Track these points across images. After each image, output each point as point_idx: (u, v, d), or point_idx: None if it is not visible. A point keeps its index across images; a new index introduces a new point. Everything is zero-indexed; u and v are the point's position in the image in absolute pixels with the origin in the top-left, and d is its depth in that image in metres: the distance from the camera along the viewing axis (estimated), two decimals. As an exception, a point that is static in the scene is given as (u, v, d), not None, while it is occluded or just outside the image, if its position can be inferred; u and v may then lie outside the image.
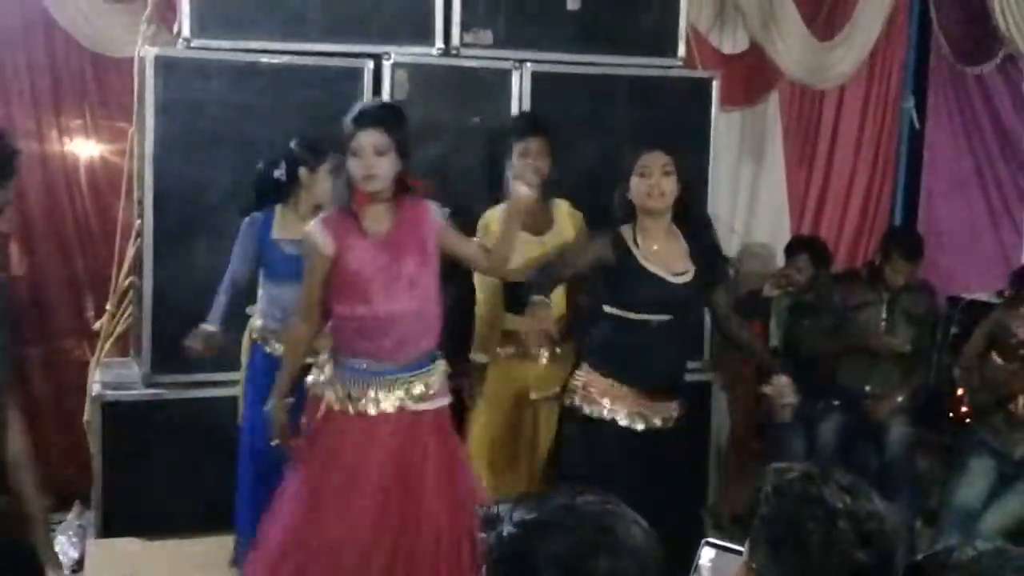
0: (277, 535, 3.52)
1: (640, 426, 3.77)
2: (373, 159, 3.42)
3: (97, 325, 4.97)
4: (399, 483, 3.50)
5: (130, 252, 4.73)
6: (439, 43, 4.60)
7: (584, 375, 3.81)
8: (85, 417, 4.69)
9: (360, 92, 4.47)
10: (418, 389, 3.53)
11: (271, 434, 3.60)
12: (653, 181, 3.73)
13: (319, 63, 4.48)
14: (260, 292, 4.13)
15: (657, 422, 3.80)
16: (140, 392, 4.46)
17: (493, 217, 4.16)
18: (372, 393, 3.49)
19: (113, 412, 4.44)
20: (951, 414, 5.21)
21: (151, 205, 4.36)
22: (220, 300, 4.11)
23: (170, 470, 4.36)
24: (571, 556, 1.53)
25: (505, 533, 1.58)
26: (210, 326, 4.06)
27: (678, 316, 3.76)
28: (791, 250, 5.45)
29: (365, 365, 3.50)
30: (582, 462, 3.75)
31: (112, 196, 5.11)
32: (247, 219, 4.08)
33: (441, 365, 3.61)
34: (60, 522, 4.89)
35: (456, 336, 4.05)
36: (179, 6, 4.42)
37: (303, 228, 3.67)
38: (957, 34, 6.05)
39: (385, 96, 4.48)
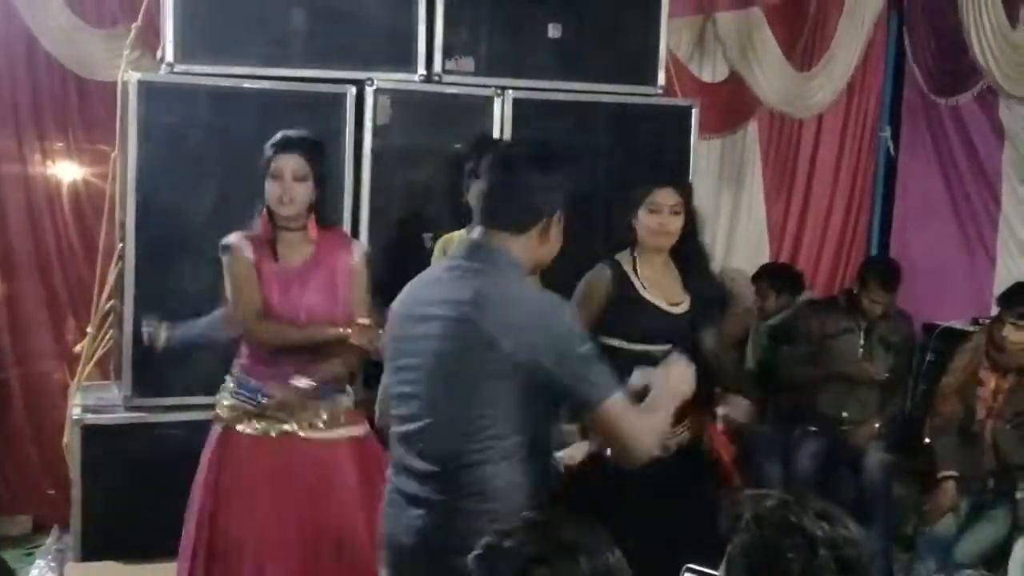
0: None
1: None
2: (291, 183, 3.47)
3: (78, 348, 4.96)
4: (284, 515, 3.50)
5: (111, 275, 4.73)
6: (421, 69, 4.63)
7: None
8: (64, 440, 4.67)
9: (343, 117, 4.49)
10: (310, 418, 3.54)
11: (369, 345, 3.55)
12: (663, 219, 3.68)
13: (302, 88, 4.50)
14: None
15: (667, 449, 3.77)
16: (120, 415, 4.44)
17: (451, 242, 4.19)
18: (263, 416, 3.50)
19: (93, 435, 4.42)
20: (926, 440, 5.26)
21: (133, 228, 4.36)
22: (197, 323, 4.04)
23: (150, 494, 4.33)
24: (524, 570, 1.61)
25: (476, 551, 1.66)
26: (175, 330, 3.95)
27: (679, 346, 3.68)
28: (756, 278, 5.54)
29: (262, 387, 3.50)
30: (588, 496, 3.73)
31: (94, 219, 5.12)
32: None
33: (344, 399, 3.61)
34: (39, 546, 4.88)
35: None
36: (163, 31, 4.43)
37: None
38: (932, 66, 6.14)
39: (367, 121, 4.51)
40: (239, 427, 3.52)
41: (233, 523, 3.50)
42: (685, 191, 3.77)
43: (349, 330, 3.52)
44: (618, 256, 3.79)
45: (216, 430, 3.59)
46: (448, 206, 4.56)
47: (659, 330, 3.70)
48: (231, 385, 3.55)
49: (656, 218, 3.71)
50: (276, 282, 3.51)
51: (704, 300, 3.81)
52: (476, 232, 2.60)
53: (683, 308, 3.76)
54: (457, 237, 4.22)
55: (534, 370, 2.40)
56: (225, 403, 3.55)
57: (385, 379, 2.71)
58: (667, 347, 3.68)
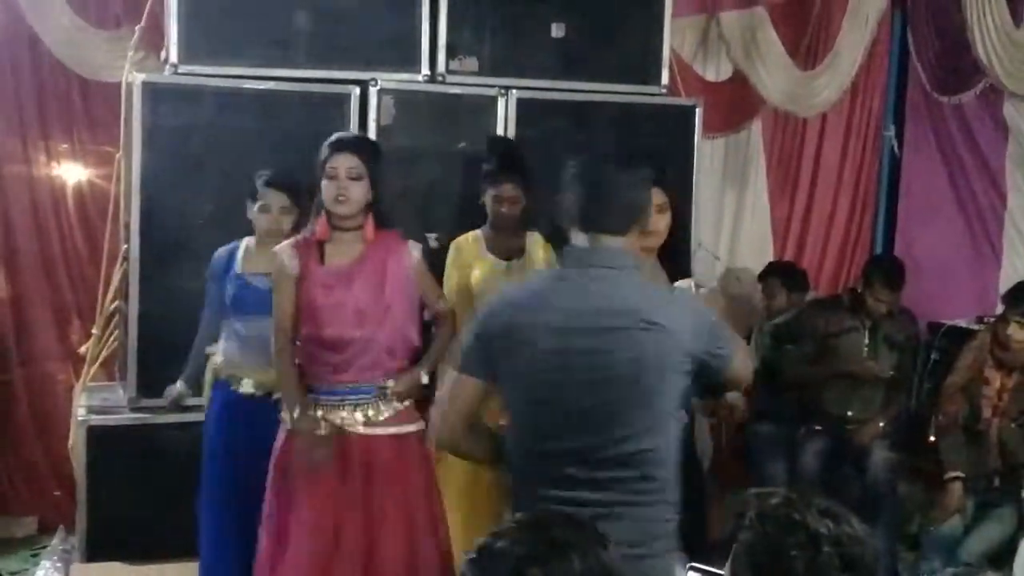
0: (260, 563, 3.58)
1: None
2: (346, 183, 3.47)
3: (83, 349, 4.96)
4: (346, 505, 3.52)
5: (116, 276, 4.74)
6: (425, 70, 4.64)
7: None
8: (70, 441, 4.68)
9: (346, 118, 4.50)
10: (363, 415, 3.55)
11: (303, 458, 3.52)
12: (652, 220, 3.69)
13: (306, 89, 4.51)
14: (222, 328, 4.10)
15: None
16: (125, 416, 4.45)
17: (465, 243, 4.21)
18: (319, 413, 3.52)
19: (98, 436, 4.43)
20: (931, 439, 5.26)
21: (137, 229, 4.37)
22: (194, 355, 4.16)
23: (155, 495, 4.35)
24: (517, 570, 1.61)
25: (466, 559, 1.65)
26: (180, 386, 4.20)
27: None
28: (764, 276, 5.53)
29: (316, 386, 3.54)
30: None
31: (99, 220, 5.13)
32: (215, 255, 4.07)
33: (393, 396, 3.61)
34: (44, 547, 4.89)
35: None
36: (167, 32, 4.44)
37: (267, 261, 3.75)
38: (935, 65, 6.13)
39: (371, 122, 4.52)
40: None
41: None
42: (668, 189, 3.76)
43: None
44: None
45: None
46: (456, 207, 4.57)
47: None
48: None
49: None
50: (321, 285, 3.51)
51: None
52: (581, 239, 2.62)
53: None
54: (472, 239, 4.22)
55: (699, 356, 2.55)
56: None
57: (469, 394, 2.63)
58: None
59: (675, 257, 3.79)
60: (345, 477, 3.53)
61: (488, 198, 4.19)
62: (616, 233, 2.62)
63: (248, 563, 3.66)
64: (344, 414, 3.54)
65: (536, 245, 4.30)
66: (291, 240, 3.61)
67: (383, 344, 3.56)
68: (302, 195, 3.88)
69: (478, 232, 4.27)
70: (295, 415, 3.49)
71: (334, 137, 3.59)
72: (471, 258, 4.21)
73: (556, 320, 2.54)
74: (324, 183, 3.49)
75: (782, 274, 5.58)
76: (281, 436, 3.59)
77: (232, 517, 3.89)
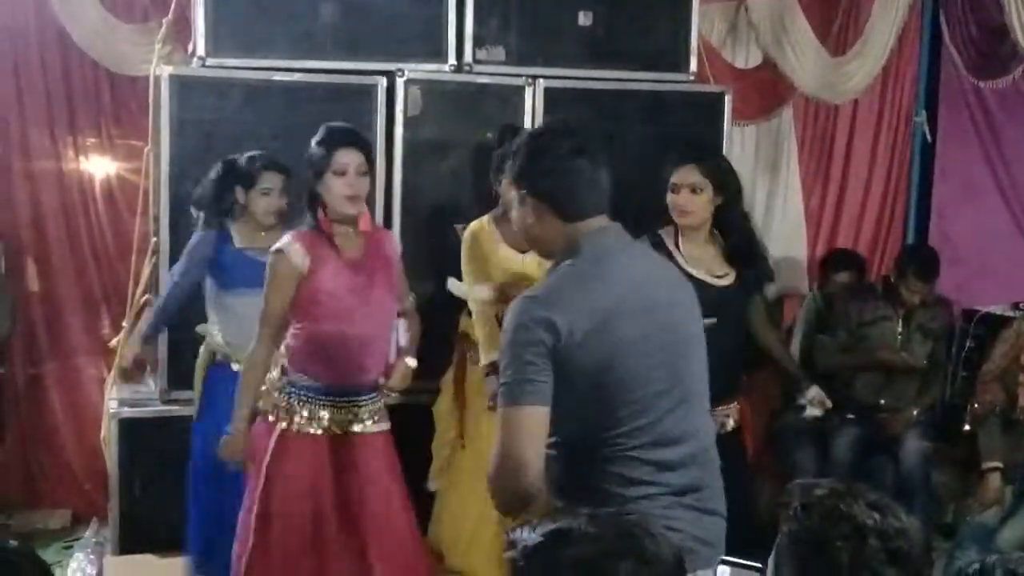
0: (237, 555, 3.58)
1: None
2: (356, 179, 3.46)
3: (113, 342, 4.99)
4: (337, 507, 3.53)
5: (146, 269, 4.76)
6: (452, 59, 4.62)
7: None
8: (102, 434, 4.70)
9: (374, 109, 4.49)
10: (365, 412, 3.56)
11: (229, 456, 3.58)
12: (680, 199, 3.72)
13: (332, 80, 4.51)
14: (212, 308, 4.13)
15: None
16: (157, 408, 4.48)
17: (481, 231, 4.17)
18: (319, 412, 3.51)
19: (130, 429, 4.46)
20: (966, 428, 5.20)
21: (167, 223, 4.38)
22: (157, 315, 4.27)
23: (187, 486, 4.36)
24: (594, 560, 1.55)
25: (530, 543, 1.59)
26: (135, 345, 4.32)
27: (723, 319, 3.65)
28: (834, 266, 5.47)
29: (317, 384, 3.51)
30: None
31: (128, 214, 5.14)
32: (200, 235, 4.11)
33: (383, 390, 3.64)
34: (77, 539, 4.92)
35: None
36: (194, 25, 4.45)
37: (264, 237, 3.80)
38: (970, 48, 6.05)
39: (398, 112, 4.50)
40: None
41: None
42: (710, 168, 3.74)
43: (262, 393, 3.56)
44: (662, 231, 3.79)
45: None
46: (483, 197, 4.54)
47: (702, 303, 3.66)
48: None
49: (674, 198, 3.75)
50: (343, 276, 3.49)
51: (749, 271, 3.81)
52: (606, 220, 2.57)
53: (728, 280, 3.76)
54: (487, 227, 4.20)
55: None
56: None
57: (545, 425, 2.41)
58: (713, 321, 3.66)
59: (729, 231, 3.77)
60: (339, 477, 3.53)
61: (504, 187, 4.17)
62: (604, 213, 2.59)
63: None
64: (356, 415, 3.54)
65: None
66: (295, 235, 3.51)
67: (387, 340, 3.61)
68: (292, 176, 3.94)
69: (490, 220, 4.21)
70: (238, 427, 3.50)
71: (334, 132, 3.54)
72: (487, 246, 4.17)
73: (632, 302, 2.47)
74: (331, 179, 3.44)
75: (855, 265, 5.56)
76: (260, 426, 3.56)
77: (227, 502, 3.86)
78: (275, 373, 3.58)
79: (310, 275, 3.47)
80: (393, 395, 3.68)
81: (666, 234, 3.78)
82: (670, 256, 3.71)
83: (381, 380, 3.61)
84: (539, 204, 2.52)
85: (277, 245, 3.54)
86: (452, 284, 4.28)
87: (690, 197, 3.70)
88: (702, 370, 2.60)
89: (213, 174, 4.11)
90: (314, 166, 3.48)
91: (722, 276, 3.75)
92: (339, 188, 3.45)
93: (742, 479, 3.80)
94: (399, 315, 3.75)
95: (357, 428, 3.56)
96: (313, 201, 3.51)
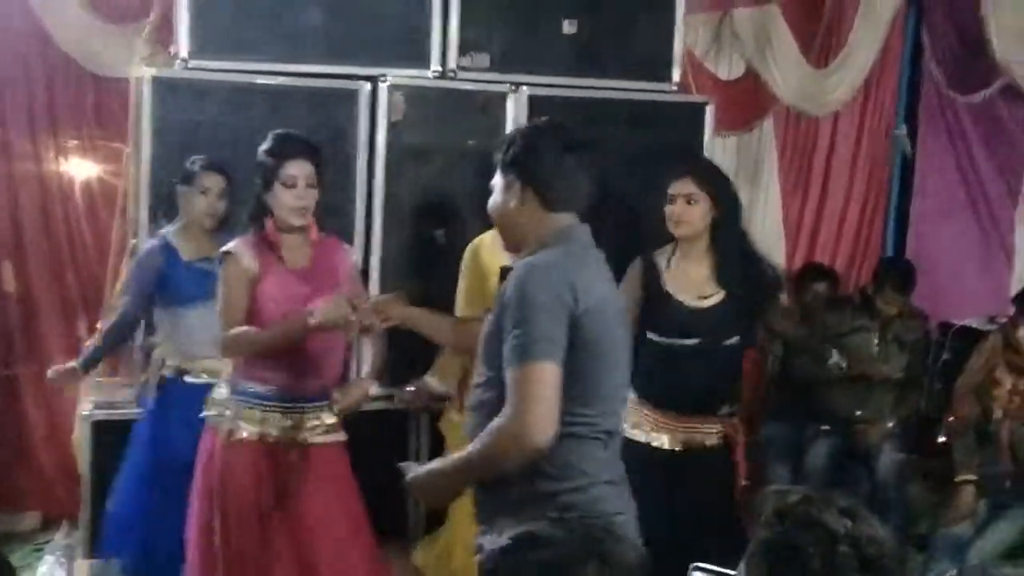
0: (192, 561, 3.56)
1: (669, 445, 3.73)
2: (305, 191, 3.43)
3: (88, 344, 4.96)
4: (281, 517, 3.48)
5: (124, 271, 4.73)
6: (436, 66, 4.62)
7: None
8: (74, 436, 4.67)
9: (357, 113, 4.48)
10: (311, 422, 3.52)
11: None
12: (676, 210, 3.71)
13: (316, 84, 4.49)
14: (164, 322, 4.13)
15: (692, 442, 3.75)
16: (130, 411, 4.44)
17: (483, 243, 4.16)
18: (262, 419, 3.47)
19: (102, 431, 4.43)
20: (942, 440, 5.23)
21: (145, 224, 4.36)
22: (102, 341, 4.29)
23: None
24: (560, 563, 1.58)
25: (497, 546, 1.62)
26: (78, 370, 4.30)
27: (706, 340, 3.70)
28: (809, 278, 5.49)
29: (260, 389, 3.48)
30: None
31: (106, 216, 5.12)
32: (145, 250, 4.11)
33: (333, 406, 3.59)
34: (47, 542, 4.88)
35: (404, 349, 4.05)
36: (177, 27, 4.43)
37: (210, 247, 3.80)
38: (951, 63, 6.09)
39: (381, 118, 4.50)
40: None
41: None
42: (706, 180, 3.74)
43: (316, 309, 3.30)
44: (658, 251, 3.81)
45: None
46: (466, 204, 4.54)
47: (684, 325, 3.70)
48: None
49: (670, 208, 3.74)
50: (287, 287, 3.45)
51: (741, 291, 3.75)
52: (578, 220, 2.71)
53: (713, 302, 3.73)
54: (490, 240, 4.16)
55: None
56: None
57: (559, 385, 2.48)
58: (695, 341, 3.70)
59: (721, 248, 3.75)
60: (285, 490, 3.46)
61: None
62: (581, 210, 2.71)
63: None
64: (294, 422, 3.49)
65: None
66: (242, 240, 3.49)
67: (340, 354, 3.57)
68: (234, 182, 4.04)
69: (495, 233, 4.19)
70: (314, 317, 3.29)
71: (286, 141, 3.49)
72: (488, 261, 4.13)
73: (610, 295, 2.66)
74: (280, 190, 3.40)
75: (828, 276, 5.57)
76: (207, 439, 3.52)
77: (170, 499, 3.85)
78: (222, 386, 3.56)
79: (258, 281, 3.43)
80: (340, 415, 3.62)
81: (660, 253, 3.78)
82: (654, 275, 3.74)
83: (334, 394, 3.56)
84: (525, 190, 2.65)
85: (225, 248, 3.49)
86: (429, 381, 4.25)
87: (685, 208, 3.69)
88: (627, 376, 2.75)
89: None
90: (263, 175, 3.44)
91: (707, 296, 3.72)
92: (287, 200, 3.41)
93: (725, 495, 3.81)
94: (364, 333, 3.67)
95: (303, 436, 3.50)
96: (260, 210, 3.47)
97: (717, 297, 3.73)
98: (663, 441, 3.73)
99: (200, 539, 3.51)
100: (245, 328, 3.41)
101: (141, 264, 4.14)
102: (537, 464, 2.46)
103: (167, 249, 4.09)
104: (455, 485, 2.69)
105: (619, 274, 4.30)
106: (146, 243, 4.17)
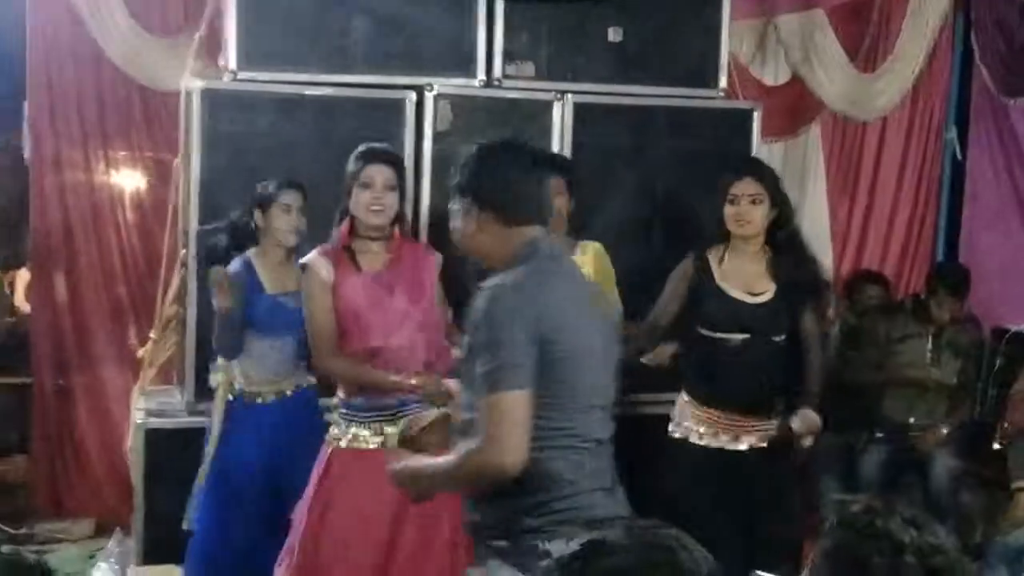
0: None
1: (728, 446, 3.76)
2: (382, 192, 3.51)
3: (140, 353, 5.01)
4: (399, 522, 3.49)
5: (175, 281, 4.78)
6: (481, 74, 4.62)
7: (680, 397, 3.88)
8: (127, 444, 4.72)
9: (403, 123, 4.50)
10: (401, 428, 3.50)
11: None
12: (741, 210, 3.78)
13: (363, 95, 4.51)
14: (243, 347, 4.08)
15: (745, 443, 3.77)
16: (182, 420, 4.47)
17: None
18: (368, 429, 3.51)
19: (155, 440, 4.46)
20: (997, 447, 5.16)
21: (195, 236, 4.40)
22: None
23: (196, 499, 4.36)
24: (629, 571, 1.54)
25: (566, 553, 1.59)
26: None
27: (757, 336, 3.76)
28: (861, 283, 5.46)
29: (361, 401, 3.52)
30: (667, 483, 3.76)
31: (156, 227, 5.18)
32: (233, 271, 3.99)
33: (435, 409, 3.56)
34: (100, 549, 4.92)
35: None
36: (225, 39, 4.47)
37: (291, 275, 3.81)
38: (1000, 67, 6.02)
39: (427, 127, 4.51)
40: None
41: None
42: (768, 180, 3.82)
43: (415, 381, 3.49)
44: (710, 249, 3.86)
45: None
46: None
47: (734, 319, 3.76)
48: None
49: (733, 209, 3.79)
50: (362, 290, 3.51)
51: (794, 288, 3.80)
52: (544, 232, 2.70)
53: (765, 298, 3.79)
54: None
55: None
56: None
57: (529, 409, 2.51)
58: (745, 336, 3.75)
59: (779, 246, 3.80)
60: (382, 495, 3.40)
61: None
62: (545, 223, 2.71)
63: None
64: (387, 428, 3.51)
65: (589, 257, 4.23)
66: (318, 250, 3.57)
67: (422, 355, 3.56)
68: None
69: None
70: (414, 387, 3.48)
71: (366, 148, 3.61)
72: None
73: (580, 310, 2.62)
74: (358, 192, 3.51)
75: (880, 282, 5.59)
76: (326, 450, 3.57)
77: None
78: (335, 399, 3.64)
79: (336, 289, 3.50)
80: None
81: (712, 251, 3.85)
82: (708, 273, 3.80)
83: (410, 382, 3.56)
84: (483, 212, 2.63)
85: (302, 260, 3.59)
86: None
87: (749, 207, 3.77)
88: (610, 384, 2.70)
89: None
90: (346, 183, 3.56)
91: (760, 293, 3.78)
92: (365, 199, 3.51)
93: (784, 496, 3.81)
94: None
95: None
96: (341, 216, 3.58)
97: (768, 293, 3.79)
98: (720, 441, 3.76)
99: (303, 550, 3.52)
100: (343, 362, 3.54)
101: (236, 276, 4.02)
102: (522, 477, 2.48)
103: (248, 272, 4.02)
104: (433, 489, 2.77)
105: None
106: (232, 266, 4.02)
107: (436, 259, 3.71)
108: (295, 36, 4.50)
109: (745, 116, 4.94)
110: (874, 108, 6.09)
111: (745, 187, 3.77)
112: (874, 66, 6.04)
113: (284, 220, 4.00)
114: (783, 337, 3.80)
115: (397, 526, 3.49)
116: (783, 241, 3.83)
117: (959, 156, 6.34)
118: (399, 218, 3.62)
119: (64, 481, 5.32)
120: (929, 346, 4.99)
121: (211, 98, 4.37)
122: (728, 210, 3.79)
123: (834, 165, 6.14)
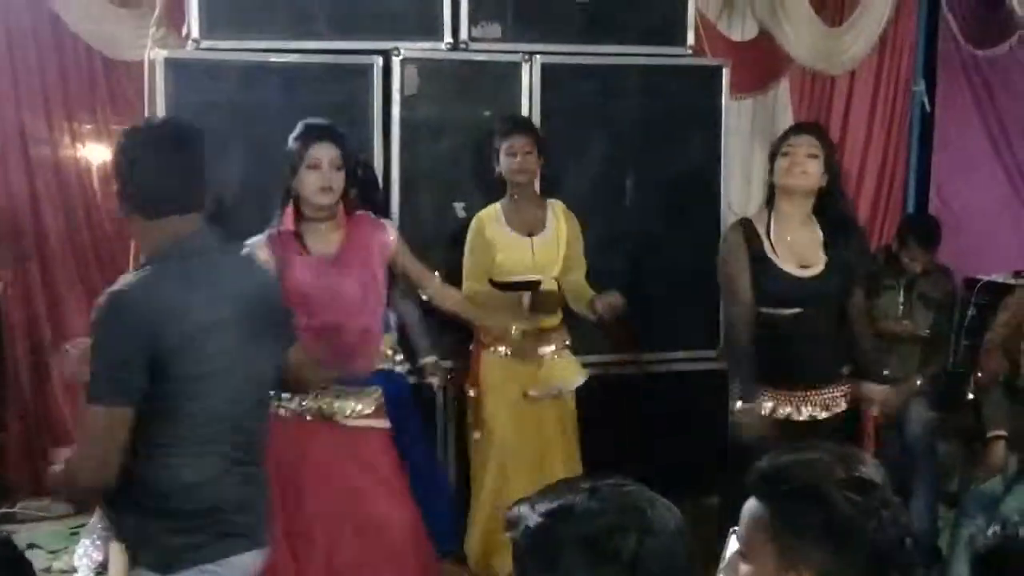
0: None
1: (796, 416, 3.68)
2: (330, 173, 3.43)
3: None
4: (332, 492, 3.49)
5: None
6: (448, 37, 4.59)
7: None
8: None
9: (370, 88, 4.47)
10: (351, 405, 3.53)
11: None
12: (798, 159, 3.58)
13: (328, 61, 4.48)
14: None
15: (815, 413, 3.70)
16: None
17: (487, 216, 4.19)
18: (309, 402, 3.49)
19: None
20: (970, 397, 5.20)
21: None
22: None
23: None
24: (598, 537, 1.52)
25: (532, 524, 1.55)
26: None
27: (810, 309, 3.63)
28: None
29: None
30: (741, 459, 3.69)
31: (125, 199, 5.12)
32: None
33: (376, 392, 3.59)
34: (83, 525, 4.91)
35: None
36: (187, 8, 4.43)
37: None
38: (968, 17, 6.03)
39: (395, 92, 4.48)
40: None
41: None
42: (825, 142, 3.68)
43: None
44: (752, 215, 3.75)
45: None
46: (482, 175, 4.53)
47: (785, 294, 3.63)
48: None
49: (788, 160, 3.60)
50: (309, 271, 3.45)
51: (846, 265, 3.69)
52: (196, 222, 2.51)
53: (816, 271, 3.65)
54: (494, 213, 4.21)
55: None
56: None
57: (126, 425, 2.39)
58: (796, 311, 3.62)
59: (831, 217, 3.68)
60: (332, 465, 3.49)
61: (503, 157, 4.17)
62: (199, 210, 2.51)
63: None
64: (335, 402, 3.51)
65: (558, 215, 4.26)
66: (259, 238, 3.50)
67: (375, 331, 3.56)
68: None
69: (499, 205, 4.24)
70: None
71: (307, 127, 3.51)
72: (493, 235, 4.18)
73: (224, 311, 2.47)
74: (305, 174, 3.43)
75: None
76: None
77: None
78: None
79: (283, 271, 3.41)
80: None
81: (757, 218, 3.70)
82: (756, 240, 3.64)
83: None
84: (125, 206, 2.49)
85: (245, 245, 3.48)
86: None
87: (807, 159, 3.59)
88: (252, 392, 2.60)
89: None
90: (290, 162, 3.46)
91: (810, 266, 3.64)
92: (313, 180, 3.43)
93: None
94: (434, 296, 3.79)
95: (341, 417, 3.52)
96: (285, 198, 3.50)
97: (819, 267, 3.65)
98: (788, 413, 3.67)
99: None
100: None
101: None
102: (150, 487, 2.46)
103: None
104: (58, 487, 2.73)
105: (641, 237, 4.30)
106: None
107: (388, 227, 3.66)
108: (258, 3, 4.48)
109: (714, 73, 4.94)
110: (842, 62, 6.08)
111: (803, 141, 3.61)
112: (841, 19, 6.03)
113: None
114: (835, 308, 3.71)
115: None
116: (835, 210, 3.67)
117: (927, 108, 6.35)
118: (344, 194, 3.52)
119: (44, 458, 5.28)
120: (901, 298, 5.00)
121: (175, 67, 4.33)
122: (782, 162, 3.61)
123: (803, 119, 6.11)
